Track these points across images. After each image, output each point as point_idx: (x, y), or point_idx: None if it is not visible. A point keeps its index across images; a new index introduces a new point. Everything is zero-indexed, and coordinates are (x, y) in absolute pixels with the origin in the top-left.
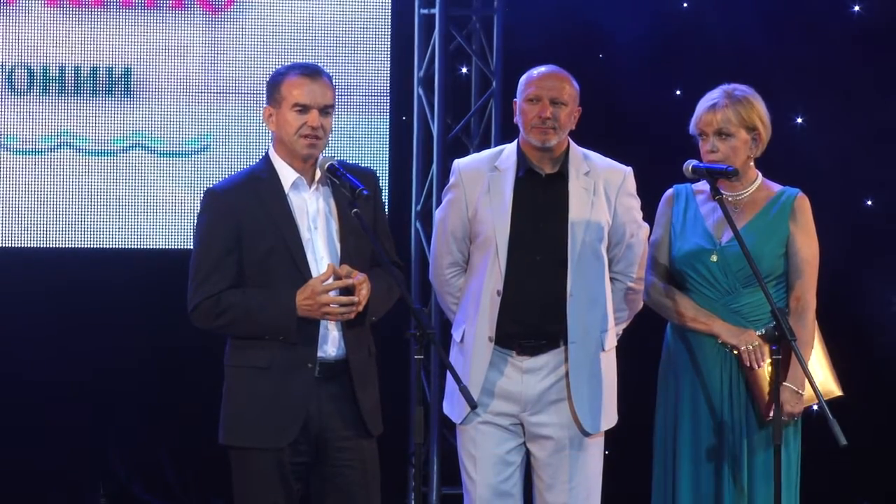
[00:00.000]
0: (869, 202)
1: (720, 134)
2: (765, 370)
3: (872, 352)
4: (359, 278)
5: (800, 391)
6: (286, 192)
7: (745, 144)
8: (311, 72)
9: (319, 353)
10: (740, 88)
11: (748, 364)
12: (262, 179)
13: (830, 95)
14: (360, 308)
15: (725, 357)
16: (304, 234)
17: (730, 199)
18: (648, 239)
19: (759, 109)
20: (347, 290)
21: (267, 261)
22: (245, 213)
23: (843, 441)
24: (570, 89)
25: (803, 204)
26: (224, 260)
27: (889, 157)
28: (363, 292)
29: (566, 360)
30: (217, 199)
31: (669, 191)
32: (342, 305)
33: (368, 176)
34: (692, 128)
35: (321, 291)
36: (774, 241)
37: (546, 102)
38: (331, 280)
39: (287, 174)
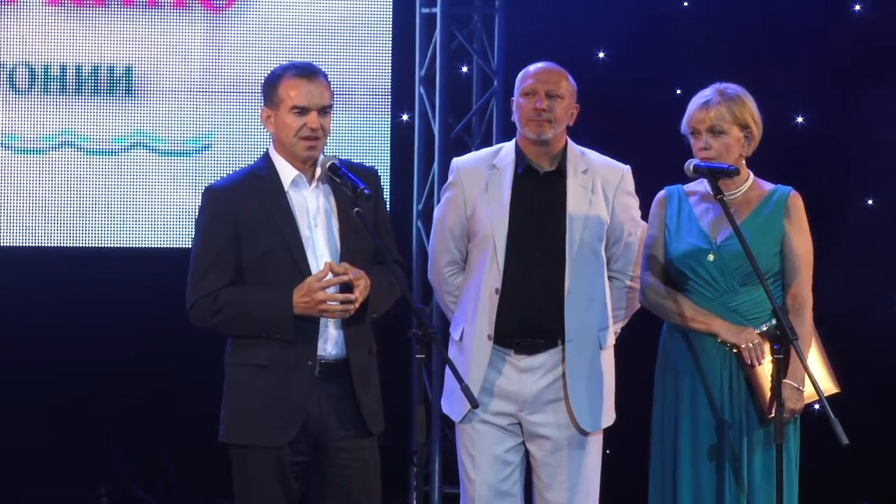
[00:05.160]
0: (869, 202)
1: (713, 131)
2: (765, 368)
3: (872, 351)
4: (356, 274)
5: (800, 388)
6: (286, 189)
7: (738, 142)
8: (308, 72)
9: (319, 352)
10: (732, 87)
11: (748, 362)
12: (261, 177)
13: (830, 95)
14: (358, 304)
15: (725, 355)
16: (304, 232)
17: (724, 198)
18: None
19: (751, 108)
20: (346, 287)
21: (266, 259)
22: (244, 210)
23: (844, 440)
24: (566, 84)
25: (796, 201)
26: (222, 258)
27: (889, 157)
28: (360, 288)
29: (563, 359)
30: (216, 197)
31: (661, 192)
32: (340, 303)
33: (370, 175)
34: (684, 126)
35: (317, 289)
36: (769, 239)
37: (542, 95)
38: (328, 277)
39: (287, 172)
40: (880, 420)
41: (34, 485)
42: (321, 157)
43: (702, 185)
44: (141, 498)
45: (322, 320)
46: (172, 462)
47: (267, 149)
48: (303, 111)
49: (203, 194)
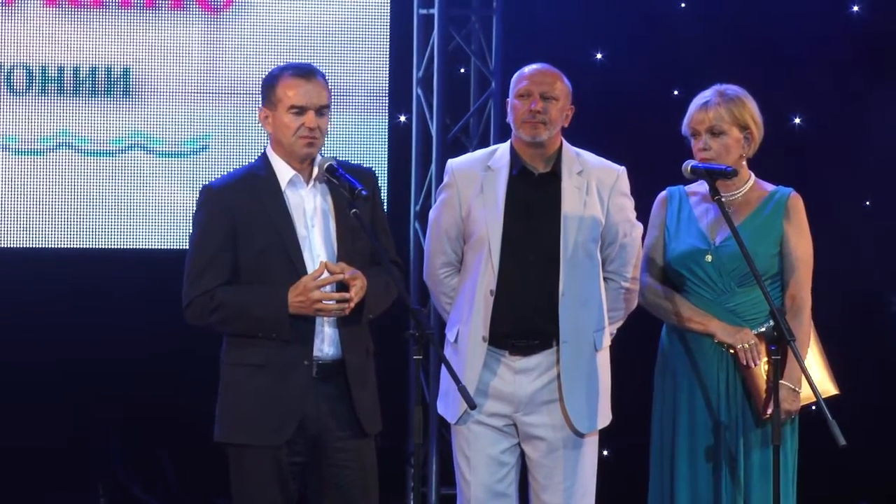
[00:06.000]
0: (869, 202)
1: (712, 132)
2: (761, 368)
3: (872, 352)
4: (352, 273)
5: (796, 389)
6: (283, 189)
7: (738, 143)
8: (306, 72)
9: (316, 353)
10: (732, 88)
11: (744, 362)
12: (259, 177)
13: (830, 95)
14: (353, 304)
15: (722, 356)
16: (301, 232)
17: (724, 199)
18: (643, 239)
19: (751, 109)
20: (342, 287)
21: (262, 258)
22: (241, 209)
23: (842, 441)
24: (561, 86)
25: (797, 203)
26: (219, 257)
27: (889, 157)
28: (356, 287)
29: (558, 360)
30: (213, 195)
31: (663, 193)
32: (336, 302)
33: (367, 175)
34: (684, 128)
35: (313, 288)
36: (769, 240)
37: (536, 96)
38: (324, 276)
39: (284, 172)
40: (880, 420)
41: (33, 485)
42: (319, 157)
43: (703, 186)
44: (140, 498)
45: (318, 321)
46: (171, 462)
47: (264, 149)
48: (301, 111)
49: (200, 193)
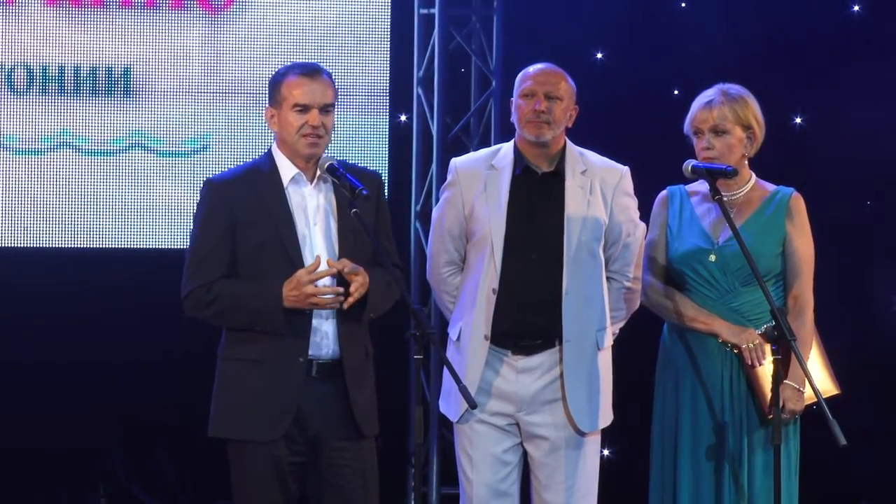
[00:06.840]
0: (869, 202)
1: (716, 131)
2: (766, 368)
3: (872, 352)
4: (352, 268)
5: (801, 389)
6: (285, 186)
7: (741, 142)
8: (311, 71)
9: (314, 352)
10: (735, 87)
11: (749, 362)
12: (261, 172)
13: (830, 95)
14: (353, 300)
15: (726, 356)
16: (302, 230)
17: (725, 198)
18: (645, 239)
19: (754, 108)
20: (341, 283)
21: (260, 253)
22: (241, 204)
23: (842, 441)
24: (565, 85)
25: (799, 203)
26: (218, 250)
27: (889, 157)
28: (357, 283)
29: (561, 360)
30: (214, 189)
31: (663, 192)
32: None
33: (370, 177)
34: (687, 126)
35: (307, 282)
36: (771, 240)
37: (541, 96)
38: (321, 269)
39: (287, 169)
40: (880, 421)
41: (33, 485)
42: (324, 155)
43: (704, 185)
44: (140, 498)
45: (318, 319)
46: (171, 462)
47: (270, 146)
48: (304, 109)
49: (202, 186)
